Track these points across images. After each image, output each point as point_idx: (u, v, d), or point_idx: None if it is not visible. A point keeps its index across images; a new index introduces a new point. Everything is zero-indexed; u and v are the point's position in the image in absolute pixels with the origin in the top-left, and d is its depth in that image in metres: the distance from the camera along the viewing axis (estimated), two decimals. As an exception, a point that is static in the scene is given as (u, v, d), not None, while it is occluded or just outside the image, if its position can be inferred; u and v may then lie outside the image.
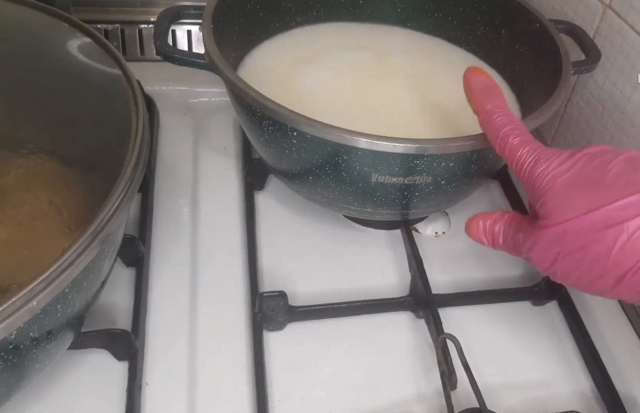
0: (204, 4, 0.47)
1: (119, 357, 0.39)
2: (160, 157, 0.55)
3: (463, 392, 0.38)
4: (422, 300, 0.44)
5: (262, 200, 0.52)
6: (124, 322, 0.41)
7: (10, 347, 0.27)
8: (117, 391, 0.37)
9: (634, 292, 0.29)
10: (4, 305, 0.25)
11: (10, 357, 0.28)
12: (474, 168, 0.41)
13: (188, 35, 0.68)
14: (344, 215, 0.51)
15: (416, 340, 0.43)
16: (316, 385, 0.40)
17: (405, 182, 0.40)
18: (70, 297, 0.30)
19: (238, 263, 0.46)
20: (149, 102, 0.58)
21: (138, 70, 0.43)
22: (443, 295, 0.44)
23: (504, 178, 0.56)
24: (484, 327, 0.44)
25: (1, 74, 0.40)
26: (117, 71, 0.40)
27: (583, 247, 0.30)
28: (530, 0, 0.54)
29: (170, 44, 0.45)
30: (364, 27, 0.61)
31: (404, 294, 0.45)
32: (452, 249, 0.50)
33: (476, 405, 0.37)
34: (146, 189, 0.50)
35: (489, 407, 0.37)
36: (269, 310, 0.41)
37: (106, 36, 0.66)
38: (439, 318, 0.42)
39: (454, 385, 0.38)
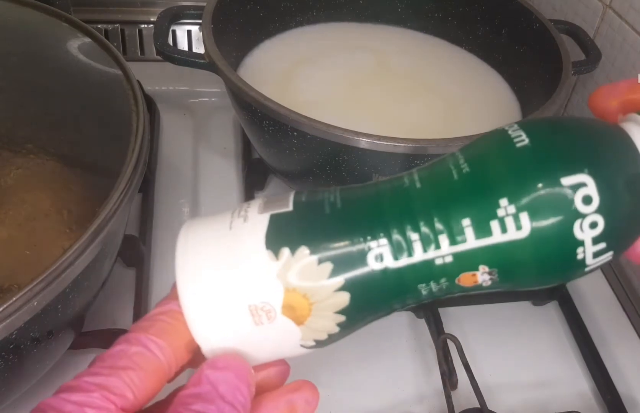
0: (204, 4, 0.47)
1: (119, 357, 0.39)
2: (161, 157, 0.55)
3: (463, 392, 0.38)
4: (422, 300, 0.44)
5: (262, 200, 0.52)
6: (124, 322, 0.41)
7: (11, 346, 0.27)
8: (117, 391, 0.37)
9: None
10: (4, 305, 0.25)
11: (10, 357, 0.28)
12: (474, 168, 0.41)
13: (188, 35, 0.68)
14: (344, 215, 0.51)
15: (416, 340, 0.43)
16: (317, 385, 0.39)
17: (406, 182, 0.40)
18: (70, 297, 0.30)
19: (238, 263, 0.46)
20: (149, 102, 0.58)
21: (138, 70, 0.43)
22: (443, 295, 0.44)
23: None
24: (484, 327, 0.44)
25: (1, 74, 0.40)
26: (117, 71, 0.40)
27: None
28: (530, 0, 0.54)
29: (170, 44, 0.45)
30: (364, 27, 0.61)
31: (404, 294, 0.45)
32: (452, 249, 0.50)
33: (477, 405, 0.37)
34: (146, 188, 0.50)
35: (489, 407, 0.37)
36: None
37: (106, 36, 0.66)
38: (440, 318, 0.42)
39: (454, 385, 0.38)
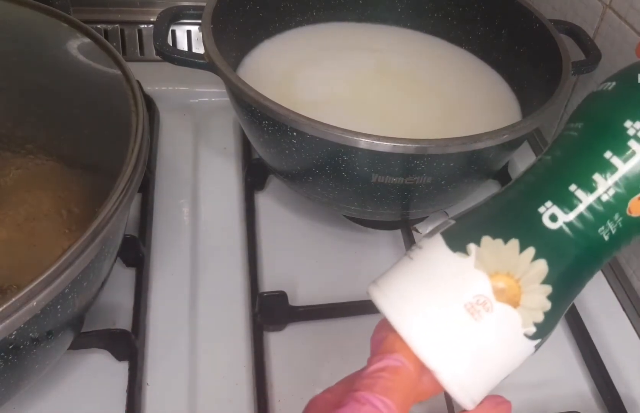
0: (204, 4, 0.47)
1: (119, 357, 0.39)
2: (160, 157, 0.55)
3: (463, 392, 0.38)
4: (422, 300, 0.44)
5: (262, 200, 0.52)
6: (124, 322, 0.41)
7: (11, 347, 0.27)
8: (117, 391, 0.37)
9: None
10: (4, 306, 0.25)
11: (10, 357, 0.28)
12: (474, 168, 0.41)
13: (188, 35, 0.68)
14: (344, 215, 0.51)
15: (416, 340, 0.43)
16: (316, 385, 0.40)
17: (406, 182, 0.40)
18: (70, 297, 0.30)
19: (238, 263, 0.46)
20: (149, 102, 0.58)
21: (138, 70, 0.43)
22: (443, 295, 0.44)
23: (504, 178, 0.56)
24: (484, 327, 0.44)
25: (1, 74, 0.40)
26: (117, 71, 0.40)
27: None
28: (530, 0, 0.54)
29: (170, 44, 0.45)
30: (364, 27, 0.61)
31: (404, 294, 0.45)
32: (452, 249, 0.50)
33: (476, 405, 0.37)
34: (146, 189, 0.50)
35: (489, 407, 0.37)
36: (268, 310, 0.41)
37: (106, 36, 0.66)
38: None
39: (454, 385, 0.38)
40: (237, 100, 0.43)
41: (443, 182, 0.41)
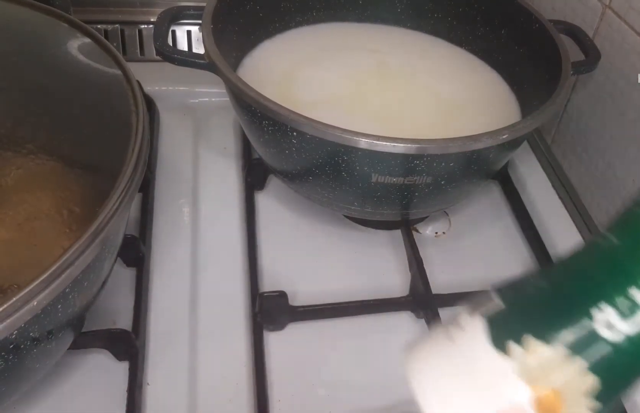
0: (204, 4, 0.47)
1: (119, 357, 0.39)
2: (160, 157, 0.55)
3: (463, 391, 0.38)
4: (422, 300, 0.44)
5: (262, 200, 0.52)
6: (124, 322, 0.41)
7: (11, 347, 0.27)
8: (117, 391, 0.37)
9: None
10: (5, 305, 0.25)
11: (10, 357, 0.28)
12: (474, 168, 0.41)
13: (188, 36, 0.68)
14: (344, 215, 0.51)
15: (416, 340, 0.43)
16: (316, 385, 0.40)
17: (405, 182, 0.40)
18: (70, 297, 0.30)
19: (238, 263, 0.46)
20: (149, 102, 0.58)
21: (138, 70, 0.43)
22: (443, 295, 0.44)
23: (504, 178, 0.56)
24: (484, 327, 0.44)
25: (1, 73, 0.40)
26: (117, 71, 0.40)
27: None
28: (530, 0, 0.54)
29: (170, 44, 0.45)
30: (364, 27, 0.61)
31: (404, 294, 0.45)
32: (452, 249, 0.50)
33: (476, 405, 0.37)
34: (146, 189, 0.50)
35: (489, 407, 0.37)
36: (268, 310, 0.41)
37: (106, 36, 0.66)
38: (440, 318, 0.42)
39: (454, 385, 0.38)
40: (237, 100, 0.43)
41: (443, 182, 0.41)
